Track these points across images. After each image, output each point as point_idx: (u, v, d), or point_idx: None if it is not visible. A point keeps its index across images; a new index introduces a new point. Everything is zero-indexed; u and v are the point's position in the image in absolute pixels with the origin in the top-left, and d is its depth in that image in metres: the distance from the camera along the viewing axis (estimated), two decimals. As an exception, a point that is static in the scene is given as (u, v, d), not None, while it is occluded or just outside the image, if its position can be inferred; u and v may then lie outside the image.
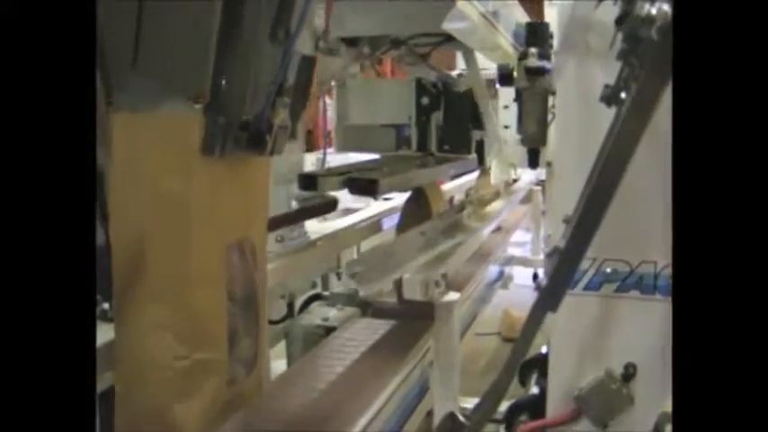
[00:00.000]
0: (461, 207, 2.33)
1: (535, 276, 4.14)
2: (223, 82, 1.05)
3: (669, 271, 1.50)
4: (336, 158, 2.94)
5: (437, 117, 2.67)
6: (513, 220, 3.77)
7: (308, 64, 1.21)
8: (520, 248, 4.27)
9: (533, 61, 1.68)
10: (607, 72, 1.39)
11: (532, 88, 1.71)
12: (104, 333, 1.28)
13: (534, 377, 2.38)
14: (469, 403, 1.85)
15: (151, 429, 1.10)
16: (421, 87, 2.63)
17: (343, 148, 2.83)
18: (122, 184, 1.08)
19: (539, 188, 4.04)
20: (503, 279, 3.68)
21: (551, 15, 3.15)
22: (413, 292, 1.64)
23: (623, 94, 1.28)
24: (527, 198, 4.03)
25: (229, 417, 1.21)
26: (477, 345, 4.49)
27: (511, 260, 3.89)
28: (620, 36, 1.25)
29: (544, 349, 2.14)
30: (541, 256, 3.86)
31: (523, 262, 4.10)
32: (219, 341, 1.14)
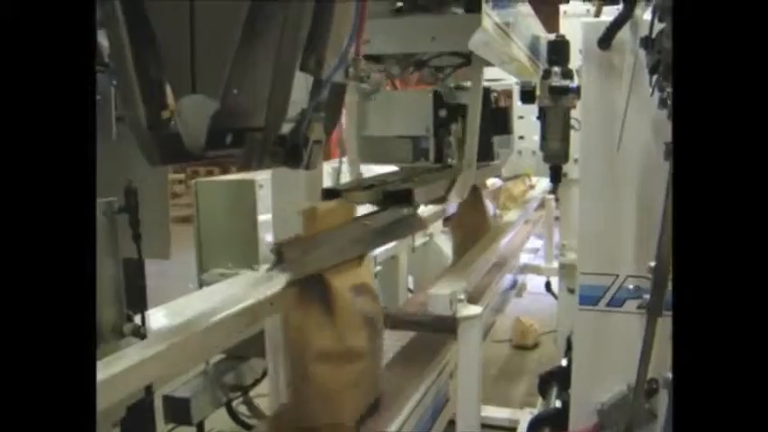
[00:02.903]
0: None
1: (548, 285, 4.16)
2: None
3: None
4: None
5: (456, 129, 2.69)
6: (527, 228, 3.79)
7: (338, 90, 1.24)
8: (531, 254, 4.29)
9: (557, 81, 1.71)
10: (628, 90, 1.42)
11: (555, 107, 1.74)
12: (140, 350, 1.32)
13: (555, 390, 2.41)
14: (485, 411, 1.88)
15: None
16: (438, 99, 2.64)
17: (360, 158, 2.86)
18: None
19: (552, 196, 4.07)
20: (517, 287, 3.69)
21: (565, 27, 3.20)
22: (440, 308, 1.67)
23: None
24: (540, 205, 4.05)
25: None
26: (489, 352, 4.52)
27: (524, 268, 3.91)
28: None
29: (564, 362, 2.17)
30: (554, 264, 3.88)
31: (536, 270, 4.12)
32: None
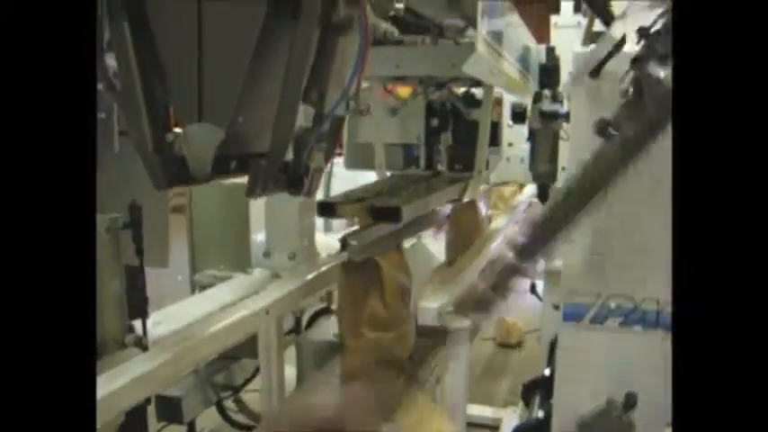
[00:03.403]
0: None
1: (532, 287, 4.23)
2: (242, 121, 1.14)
3: (671, 308, 1.59)
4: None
5: (446, 137, 2.75)
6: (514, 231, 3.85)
7: (338, 121, 1.29)
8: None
9: (547, 105, 1.76)
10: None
11: (545, 130, 1.80)
12: (142, 363, 1.37)
13: (537, 399, 2.47)
14: (469, 410, 1.97)
15: None
16: (430, 109, 2.71)
17: (352, 165, 2.92)
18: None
19: (537, 200, 4.12)
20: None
21: (556, 37, 3.26)
22: (428, 320, 1.74)
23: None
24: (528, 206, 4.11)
25: None
26: (473, 350, 4.57)
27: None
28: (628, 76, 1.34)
29: (547, 372, 2.24)
30: (539, 267, 3.93)
31: (522, 272, 4.17)
32: None
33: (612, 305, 1.62)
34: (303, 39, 1.10)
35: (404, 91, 2.96)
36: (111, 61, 1.29)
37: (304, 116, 1.17)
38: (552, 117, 1.77)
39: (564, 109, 1.81)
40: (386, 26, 1.36)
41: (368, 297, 1.81)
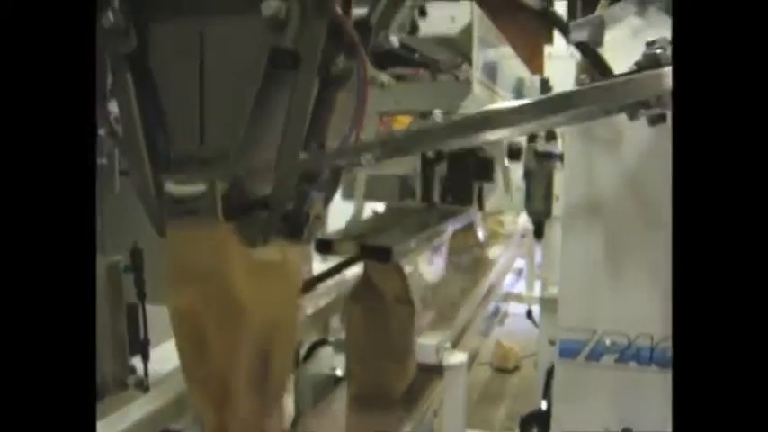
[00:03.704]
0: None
1: (529, 313, 4.25)
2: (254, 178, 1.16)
3: (665, 344, 1.62)
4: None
5: (441, 169, 2.78)
6: (510, 258, 3.87)
7: (338, 170, 1.31)
8: (514, 274, 4.37)
9: (542, 145, 1.79)
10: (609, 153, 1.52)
11: (540, 169, 1.82)
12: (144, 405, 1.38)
13: (535, 432, 2.49)
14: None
15: None
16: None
17: (348, 196, 2.94)
18: (178, 288, 1.19)
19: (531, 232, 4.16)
20: (499, 315, 3.78)
21: (551, 68, 3.29)
22: (428, 357, 1.76)
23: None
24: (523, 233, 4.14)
25: None
26: (470, 375, 4.59)
27: (507, 296, 3.99)
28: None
29: (544, 405, 2.25)
30: (536, 293, 3.96)
31: (518, 298, 4.20)
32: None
33: (608, 342, 1.64)
34: (303, 89, 1.13)
35: (400, 122, 2.99)
36: (113, 107, 1.32)
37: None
38: (547, 158, 1.80)
39: (558, 150, 1.84)
40: (384, 77, 1.39)
41: (376, 326, 1.92)
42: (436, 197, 2.79)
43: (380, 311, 1.93)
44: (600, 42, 1.40)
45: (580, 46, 1.39)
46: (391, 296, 1.94)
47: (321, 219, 1.24)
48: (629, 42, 1.49)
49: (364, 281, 1.96)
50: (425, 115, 2.51)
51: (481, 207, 3.04)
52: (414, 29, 1.47)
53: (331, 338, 2.70)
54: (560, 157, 1.83)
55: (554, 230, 2.90)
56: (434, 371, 2.03)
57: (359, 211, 2.93)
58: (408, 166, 2.79)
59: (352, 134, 1.17)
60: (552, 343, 1.67)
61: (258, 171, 1.16)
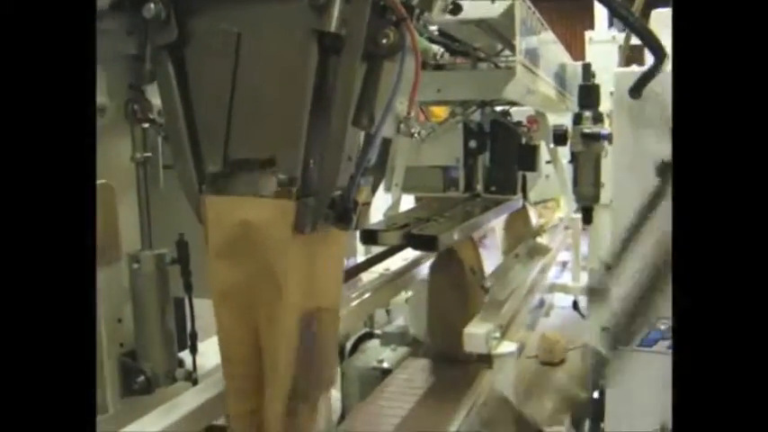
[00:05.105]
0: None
1: (575, 304, 4.18)
2: (312, 165, 1.14)
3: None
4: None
5: (483, 159, 2.75)
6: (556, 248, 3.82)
7: (386, 145, 1.29)
8: (559, 267, 4.31)
9: (588, 126, 1.75)
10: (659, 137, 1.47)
11: (587, 152, 1.78)
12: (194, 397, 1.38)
13: (588, 423, 2.44)
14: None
15: None
16: (468, 130, 2.71)
17: (389, 188, 2.92)
18: (221, 263, 1.18)
19: (578, 215, 4.09)
20: (545, 307, 3.73)
21: (592, 53, 3.24)
22: (476, 346, 1.73)
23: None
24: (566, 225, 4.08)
25: None
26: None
27: (552, 287, 3.94)
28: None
29: (596, 394, 2.21)
30: (581, 283, 3.90)
31: (564, 289, 4.14)
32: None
33: (662, 327, 1.60)
34: (348, 69, 1.11)
35: (438, 112, 2.97)
36: (155, 100, 1.32)
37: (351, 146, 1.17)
38: (594, 139, 1.76)
39: (606, 130, 1.80)
40: (435, 48, 1.36)
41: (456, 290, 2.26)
42: (480, 187, 2.77)
43: (460, 278, 2.27)
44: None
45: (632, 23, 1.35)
46: (468, 265, 2.25)
47: (369, 204, 1.23)
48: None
49: (448, 252, 2.20)
50: (465, 104, 2.50)
51: (525, 196, 3.00)
52: (456, 9, 1.44)
53: (377, 331, 2.69)
54: (608, 138, 1.79)
55: (601, 219, 2.86)
56: (483, 361, 2.00)
57: (396, 202, 2.91)
58: (451, 156, 2.77)
59: (391, 105, 1.14)
60: (605, 330, 1.63)
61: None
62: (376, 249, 2.52)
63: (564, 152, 2.86)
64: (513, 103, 2.68)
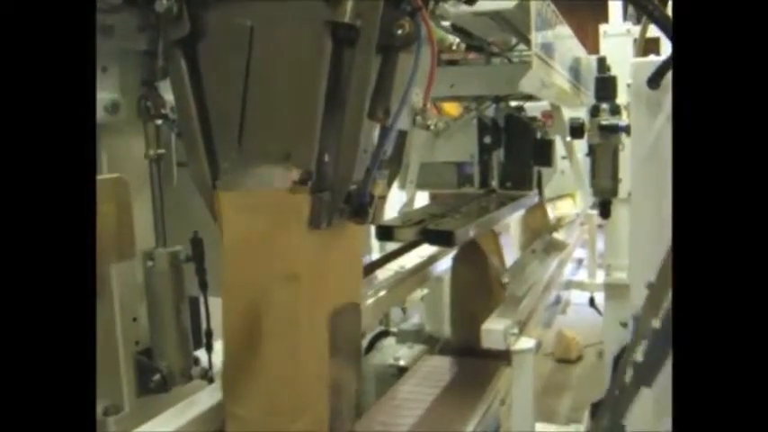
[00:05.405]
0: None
1: (591, 300, 4.16)
2: (327, 159, 1.12)
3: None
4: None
5: (498, 155, 2.73)
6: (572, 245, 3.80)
7: (402, 137, 1.28)
8: (575, 263, 4.29)
9: (606, 118, 1.73)
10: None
11: (605, 144, 1.76)
12: (210, 395, 1.37)
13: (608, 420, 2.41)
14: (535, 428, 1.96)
15: None
16: (483, 126, 2.69)
17: (404, 185, 2.91)
18: (235, 258, 1.17)
19: (594, 211, 4.07)
20: (561, 303, 3.70)
21: (606, 47, 3.21)
22: (494, 342, 1.71)
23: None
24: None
25: None
26: (533, 365, 4.51)
27: (569, 284, 3.91)
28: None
29: (617, 391, 2.18)
30: (597, 280, 3.88)
31: (580, 286, 4.12)
32: (320, 412, 1.22)
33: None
34: (362, 65, 1.10)
35: (450, 110, 2.95)
36: (168, 96, 1.31)
37: (366, 139, 1.16)
38: (612, 131, 1.74)
39: (624, 122, 1.77)
40: (451, 38, 1.35)
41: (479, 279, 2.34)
42: (495, 183, 2.75)
43: (483, 269, 2.35)
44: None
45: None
46: (489, 254, 2.33)
47: (385, 199, 1.21)
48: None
49: (471, 244, 2.27)
50: (479, 100, 2.48)
51: (540, 192, 2.97)
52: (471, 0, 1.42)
53: (393, 329, 2.68)
54: (626, 130, 1.76)
55: (618, 214, 2.84)
56: (501, 357, 1.98)
57: (411, 199, 2.89)
58: (465, 152, 2.75)
59: (407, 96, 1.13)
60: (624, 325, 1.60)
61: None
62: (390, 247, 2.52)
63: (580, 146, 2.85)
64: (527, 98, 2.66)
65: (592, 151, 1.87)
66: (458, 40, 1.38)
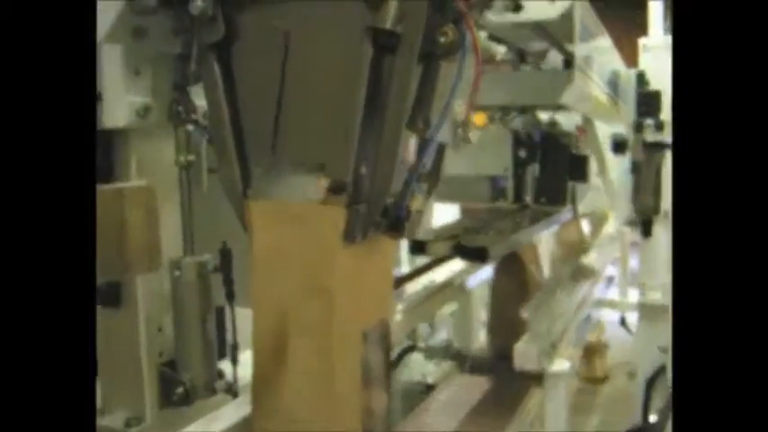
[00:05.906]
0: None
1: (622, 320, 4.08)
2: (364, 170, 1.08)
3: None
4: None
5: (533, 169, 2.68)
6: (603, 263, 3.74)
7: (442, 150, 1.24)
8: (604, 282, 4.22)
9: (651, 135, 1.67)
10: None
11: (649, 161, 1.70)
12: (235, 410, 1.33)
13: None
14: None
15: None
16: (518, 140, 2.64)
17: (438, 197, 2.85)
18: (264, 270, 1.13)
19: (627, 228, 3.99)
20: (592, 324, 3.64)
21: (646, 61, 3.14)
22: (528, 363, 1.66)
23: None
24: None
25: None
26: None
27: (599, 303, 3.84)
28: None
29: (653, 418, 2.12)
30: (629, 299, 3.80)
31: (611, 305, 4.04)
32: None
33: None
34: (403, 73, 1.05)
35: (478, 118, 2.89)
36: (200, 101, 1.28)
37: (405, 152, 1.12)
38: (658, 148, 1.68)
39: (669, 138, 1.71)
40: (497, 47, 1.30)
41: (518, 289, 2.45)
42: (529, 198, 2.69)
43: (523, 279, 2.47)
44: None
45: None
46: (529, 264, 2.45)
47: (422, 213, 1.17)
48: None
49: (511, 255, 2.36)
50: (506, 110, 2.41)
51: (575, 208, 2.91)
52: (518, 7, 1.38)
53: (420, 344, 2.62)
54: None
55: (654, 232, 2.76)
56: (532, 379, 1.92)
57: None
58: (500, 166, 2.70)
59: (449, 107, 1.08)
60: (664, 351, 1.54)
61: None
62: (420, 260, 2.47)
63: (613, 163, 2.79)
64: (556, 109, 2.60)
65: (635, 168, 1.81)
66: (503, 49, 1.33)
